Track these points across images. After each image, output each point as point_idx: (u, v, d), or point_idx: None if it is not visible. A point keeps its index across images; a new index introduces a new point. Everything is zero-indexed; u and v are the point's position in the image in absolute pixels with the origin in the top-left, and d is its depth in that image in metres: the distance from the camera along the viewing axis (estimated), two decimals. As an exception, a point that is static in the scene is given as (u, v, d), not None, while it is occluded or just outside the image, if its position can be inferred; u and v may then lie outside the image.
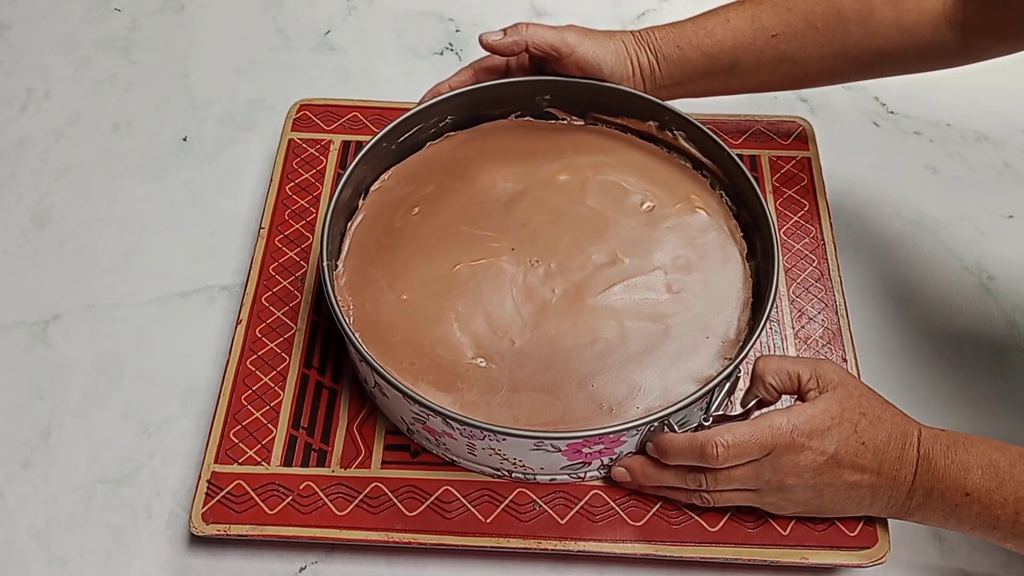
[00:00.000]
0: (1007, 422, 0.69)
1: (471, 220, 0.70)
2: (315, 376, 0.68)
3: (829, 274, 0.74)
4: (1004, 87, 0.91)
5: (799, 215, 0.77)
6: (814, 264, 0.74)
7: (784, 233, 0.76)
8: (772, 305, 0.62)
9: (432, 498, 0.62)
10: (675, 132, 0.74)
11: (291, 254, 0.74)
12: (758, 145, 0.81)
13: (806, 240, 0.75)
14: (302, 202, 0.77)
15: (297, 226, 0.76)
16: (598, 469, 0.62)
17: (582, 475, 0.62)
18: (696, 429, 0.59)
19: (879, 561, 0.60)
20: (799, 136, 0.82)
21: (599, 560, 0.63)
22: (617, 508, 0.62)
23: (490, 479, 0.63)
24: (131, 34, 0.95)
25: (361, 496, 0.62)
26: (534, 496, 0.63)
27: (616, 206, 0.72)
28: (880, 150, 0.86)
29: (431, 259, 0.68)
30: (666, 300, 0.67)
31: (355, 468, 0.64)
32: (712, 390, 0.60)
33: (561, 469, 0.61)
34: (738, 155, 0.70)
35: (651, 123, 0.74)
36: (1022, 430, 0.69)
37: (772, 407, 0.60)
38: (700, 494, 0.60)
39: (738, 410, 0.62)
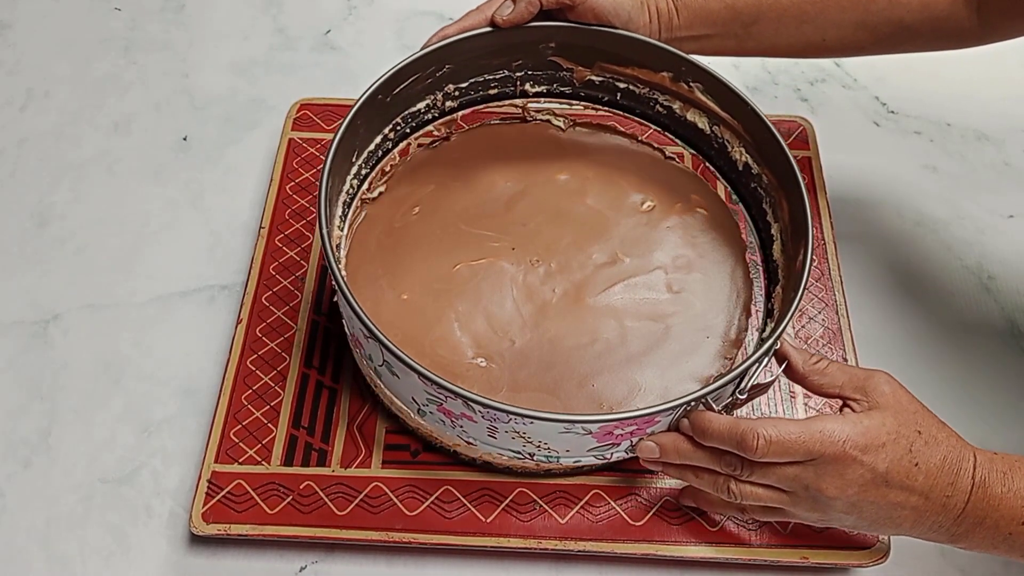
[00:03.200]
0: (1008, 421, 0.69)
1: (471, 220, 0.70)
2: (315, 376, 0.68)
3: (829, 273, 0.74)
4: (1005, 87, 0.91)
5: (799, 215, 0.77)
6: (814, 263, 0.74)
7: (784, 233, 0.76)
8: (810, 260, 0.58)
9: (432, 498, 0.62)
10: (691, 84, 0.68)
11: (291, 254, 0.74)
12: (758, 145, 0.81)
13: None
14: (302, 202, 0.77)
15: (297, 226, 0.76)
16: (626, 450, 0.59)
17: (608, 456, 0.60)
18: (730, 404, 0.56)
19: (879, 561, 0.60)
20: (799, 136, 0.82)
21: (599, 560, 0.63)
22: (617, 508, 0.62)
23: (491, 479, 0.63)
24: (131, 34, 0.95)
25: (361, 496, 0.62)
26: (534, 496, 0.62)
27: (616, 206, 0.72)
28: (880, 150, 0.86)
29: (431, 259, 0.68)
30: (666, 300, 0.67)
31: (355, 468, 0.64)
32: (749, 368, 0.56)
33: (588, 451, 0.58)
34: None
35: (664, 74, 0.69)
36: (1022, 430, 0.69)
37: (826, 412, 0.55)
38: (729, 484, 0.55)
39: (767, 378, 0.58)
